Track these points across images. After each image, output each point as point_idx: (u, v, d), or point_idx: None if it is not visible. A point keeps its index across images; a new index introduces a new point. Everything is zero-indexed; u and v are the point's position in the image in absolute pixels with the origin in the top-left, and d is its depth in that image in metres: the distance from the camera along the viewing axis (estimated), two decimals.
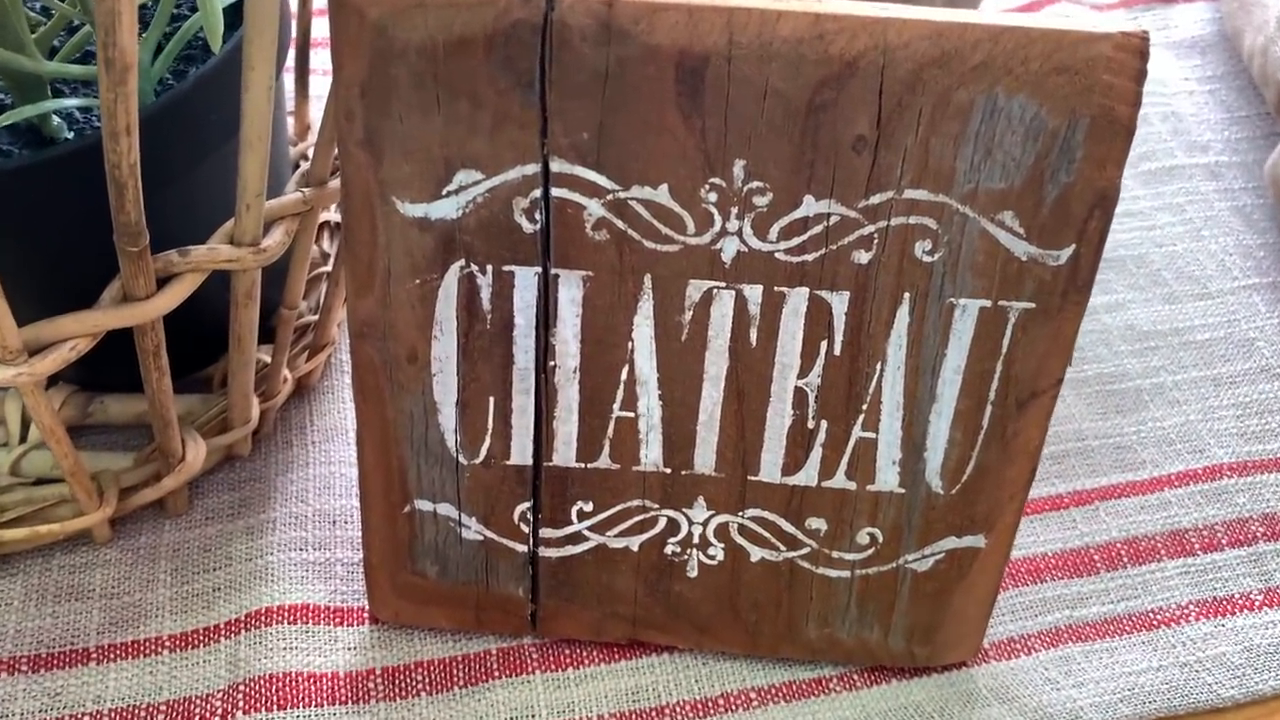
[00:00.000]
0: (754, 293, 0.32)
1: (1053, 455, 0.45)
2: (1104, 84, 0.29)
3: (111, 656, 0.39)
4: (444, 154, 0.31)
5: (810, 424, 0.34)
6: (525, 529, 0.36)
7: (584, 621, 0.38)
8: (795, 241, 0.31)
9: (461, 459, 0.35)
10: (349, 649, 0.39)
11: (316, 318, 0.44)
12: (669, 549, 0.37)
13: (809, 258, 0.32)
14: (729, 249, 0.32)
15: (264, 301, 0.38)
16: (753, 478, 0.35)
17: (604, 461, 0.35)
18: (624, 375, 0.34)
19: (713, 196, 0.31)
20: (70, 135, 0.36)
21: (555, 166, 0.31)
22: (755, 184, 0.31)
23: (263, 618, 0.39)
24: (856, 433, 0.34)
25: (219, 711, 0.37)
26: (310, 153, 0.37)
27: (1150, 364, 0.49)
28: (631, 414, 0.34)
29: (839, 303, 0.32)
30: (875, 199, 0.31)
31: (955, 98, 0.29)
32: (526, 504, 0.36)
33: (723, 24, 0.29)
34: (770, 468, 0.35)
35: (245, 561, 0.41)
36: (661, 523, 0.36)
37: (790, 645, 0.38)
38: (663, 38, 0.29)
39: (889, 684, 0.39)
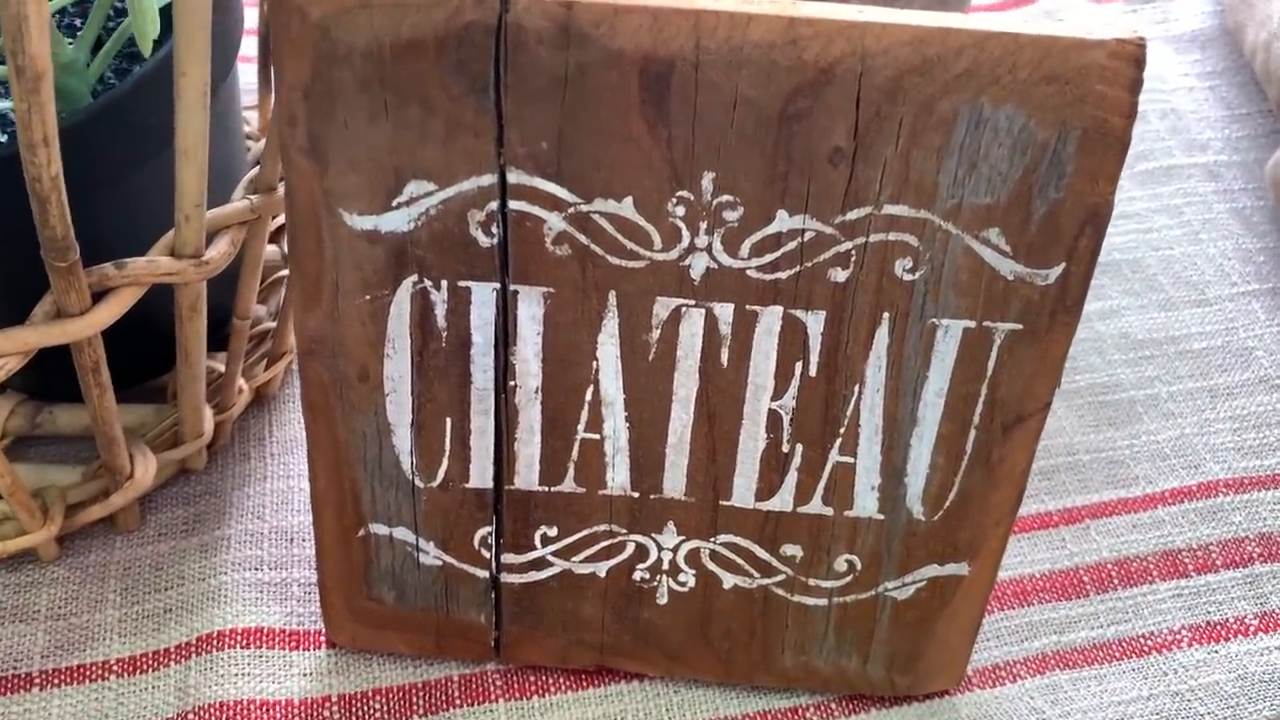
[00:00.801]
0: (725, 311, 0.31)
1: (1041, 470, 0.44)
2: (1097, 94, 0.27)
3: (56, 681, 0.37)
4: (393, 163, 0.29)
5: (785, 448, 0.33)
6: (486, 554, 0.35)
7: (549, 648, 0.37)
8: (768, 258, 0.30)
9: (418, 482, 0.33)
10: (304, 675, 0.37)
11: (275, 324, 0.43)
12: (638, 575, 0.35)
13: (782, 275, 0.30)
14: (698, 265, 0.30)
15: (218, 308, 0.36)
16: (725, 502, 0.34)
17: (568, 485, 0.34)
18: (588, 396, 0.32)
19: (680, 210, 0.29)
20: (4, 139, 0.34)
21: (513, 178, 0.29)
22: (725, 197, 0.29)
23: (214, 641, 0.38)
24: (834, 457, 0.33)
25: None
26: None
27: (1145, 374, 0.47)
28: (597, 436, 0.33)
29: (814, 322, 0.31)
30: (852, 214, 0.29)
31: (938, 108, 0.28)
32: (487, 528, 0.34)
33: (689, 27, 0.27)
34: (743, 492, 0.33)
35: (198, 581, 0.39)
36: (630, 548, 0.35)
37: (765, 673, 0.37)
38: (625, 42, 0.27)
39: (868, 713, 0.37)
